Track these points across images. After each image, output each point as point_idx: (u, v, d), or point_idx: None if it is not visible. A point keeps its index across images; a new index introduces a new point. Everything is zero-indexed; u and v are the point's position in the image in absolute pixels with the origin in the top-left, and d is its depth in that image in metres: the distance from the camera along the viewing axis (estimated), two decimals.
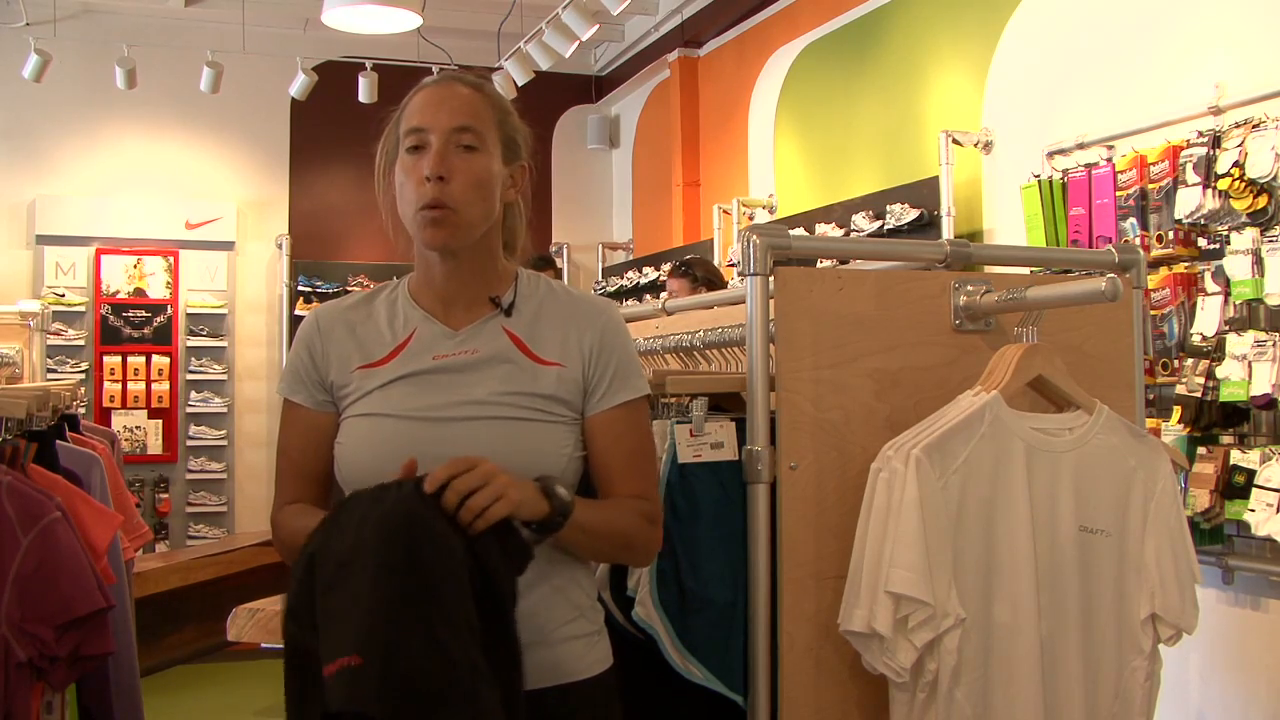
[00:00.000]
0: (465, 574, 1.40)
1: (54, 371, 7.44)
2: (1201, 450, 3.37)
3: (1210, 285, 3.42)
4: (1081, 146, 4.02)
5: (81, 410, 4.12)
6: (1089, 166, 3.94)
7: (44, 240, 7.77)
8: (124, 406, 7.77)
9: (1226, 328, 3.33)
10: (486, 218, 1.65)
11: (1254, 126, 3.31)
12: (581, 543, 1.61)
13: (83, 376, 7.46)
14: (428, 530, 1.40)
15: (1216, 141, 3.42)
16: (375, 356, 1.65)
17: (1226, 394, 3.27)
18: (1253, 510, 3.19)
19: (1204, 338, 3.39)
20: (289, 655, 1.47)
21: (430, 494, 1.42)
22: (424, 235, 1.62)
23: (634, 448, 1.67)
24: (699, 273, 4.84)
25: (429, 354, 1.64)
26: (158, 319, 7.90)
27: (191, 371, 7.95)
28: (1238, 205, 3.30)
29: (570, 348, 1.66)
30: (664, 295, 4.57)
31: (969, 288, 2.00)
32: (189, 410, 7.95)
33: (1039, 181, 4.09)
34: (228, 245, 8.13)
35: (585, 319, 1.68)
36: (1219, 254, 3.40)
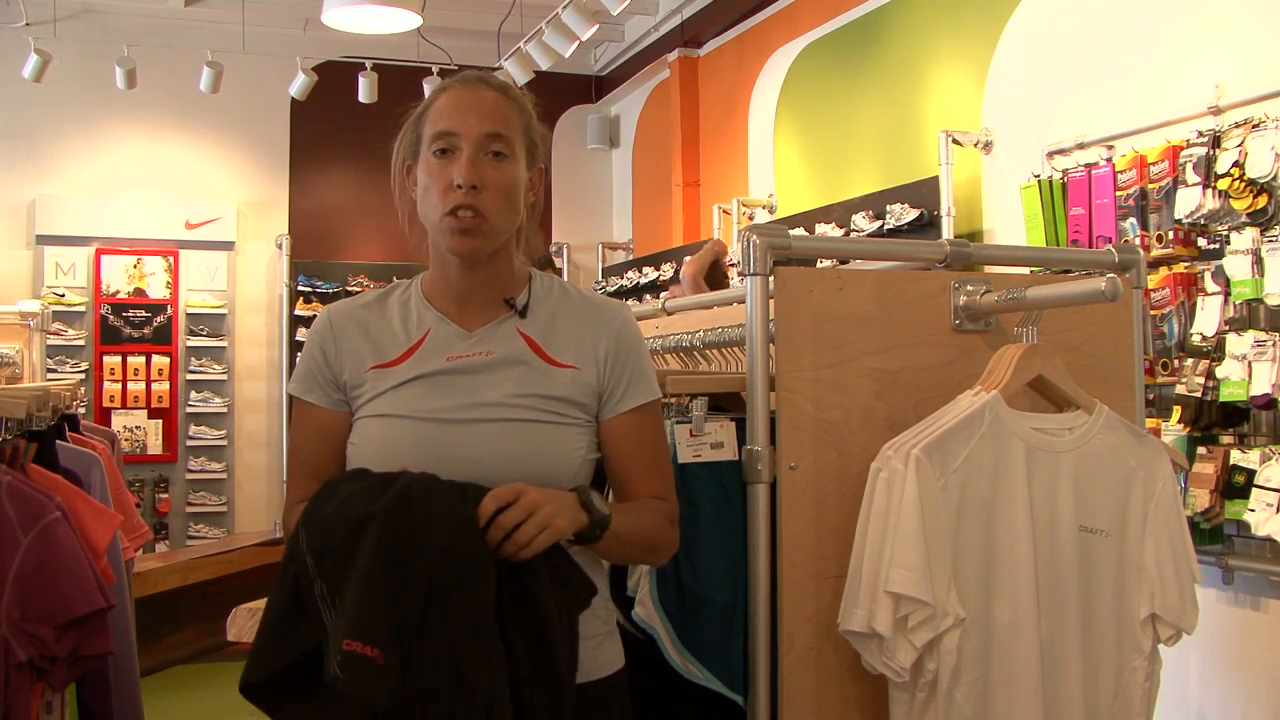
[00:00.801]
0: (496, 611, 1.43)
1: (54, 371, 7.44)
2: (1201, 450, 3.37)
3: (1210, 285, 3.41)
4: (1081, 146, 4.02)
5: (81, 410, 4.11)
6: (1089, 166, 3.94)
7: (44, 240, 7.78)
8: (124, 406, 7.78)
9: (1226, 328, 3.33)
10: (512, 225, 1.65)
11: (1254, 126, 3.31)
12: (614, 549, 1.61)
13: (83, 376, 7.47)
14: (482, 562, 1.43)
15: (1216, 141, 3.42)
16: (389, 356, 1.65)
17: (1226, 394, 3.27)
18: (1253, 510, 3.19)
19: (1204, 338, 3.39)
20: (290, 580, 1.48)
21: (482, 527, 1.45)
22: (452, 243, 1.60)
23: (652, 449, 1.68)
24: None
25: (443, 355, 1.63)
26: (158, 319, 7.90)
27: (191, 371, 7.96)
28: (1238, 205, 3.30)
29: (585, 351, 1.65)
30: (664, 295, 4.59)
31: (969, 288, 1.99)
32: (189, 410, 7.96)
33: (1039, 181, 4.09)
34: (228, 245, 8.14)
35: (600, 322, 1.68)
36: (1219, 254, 3.40)
